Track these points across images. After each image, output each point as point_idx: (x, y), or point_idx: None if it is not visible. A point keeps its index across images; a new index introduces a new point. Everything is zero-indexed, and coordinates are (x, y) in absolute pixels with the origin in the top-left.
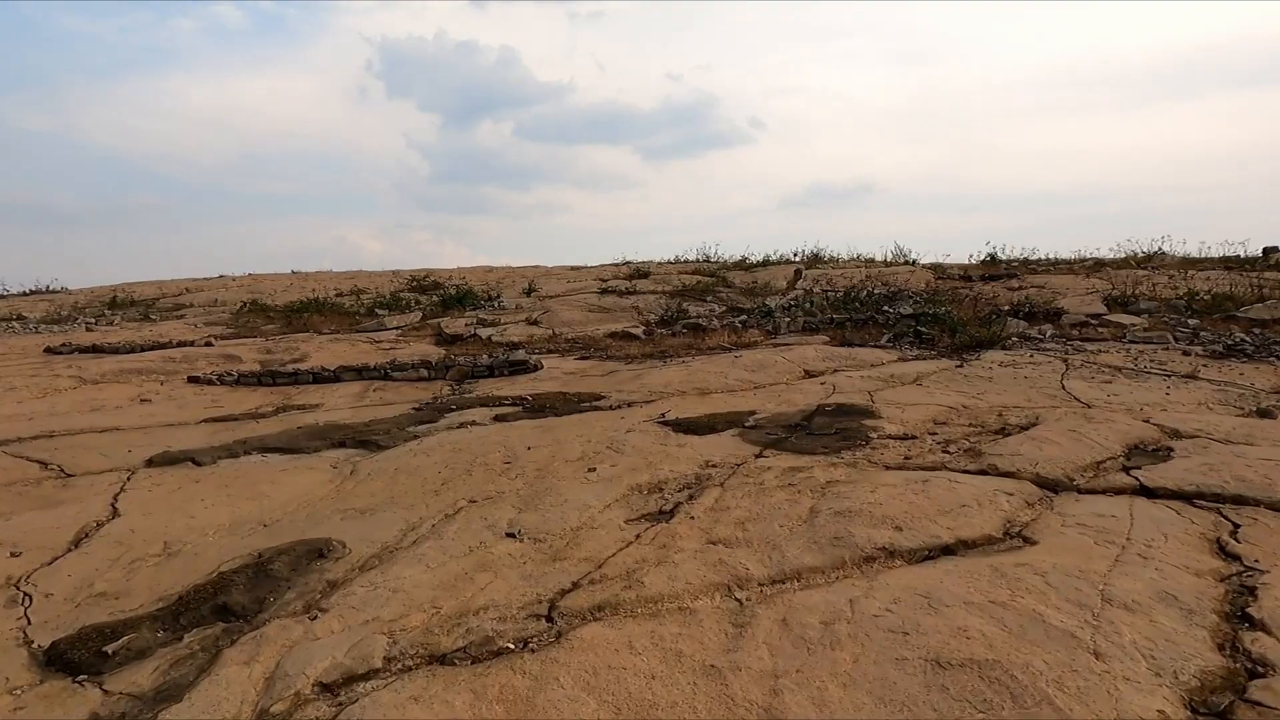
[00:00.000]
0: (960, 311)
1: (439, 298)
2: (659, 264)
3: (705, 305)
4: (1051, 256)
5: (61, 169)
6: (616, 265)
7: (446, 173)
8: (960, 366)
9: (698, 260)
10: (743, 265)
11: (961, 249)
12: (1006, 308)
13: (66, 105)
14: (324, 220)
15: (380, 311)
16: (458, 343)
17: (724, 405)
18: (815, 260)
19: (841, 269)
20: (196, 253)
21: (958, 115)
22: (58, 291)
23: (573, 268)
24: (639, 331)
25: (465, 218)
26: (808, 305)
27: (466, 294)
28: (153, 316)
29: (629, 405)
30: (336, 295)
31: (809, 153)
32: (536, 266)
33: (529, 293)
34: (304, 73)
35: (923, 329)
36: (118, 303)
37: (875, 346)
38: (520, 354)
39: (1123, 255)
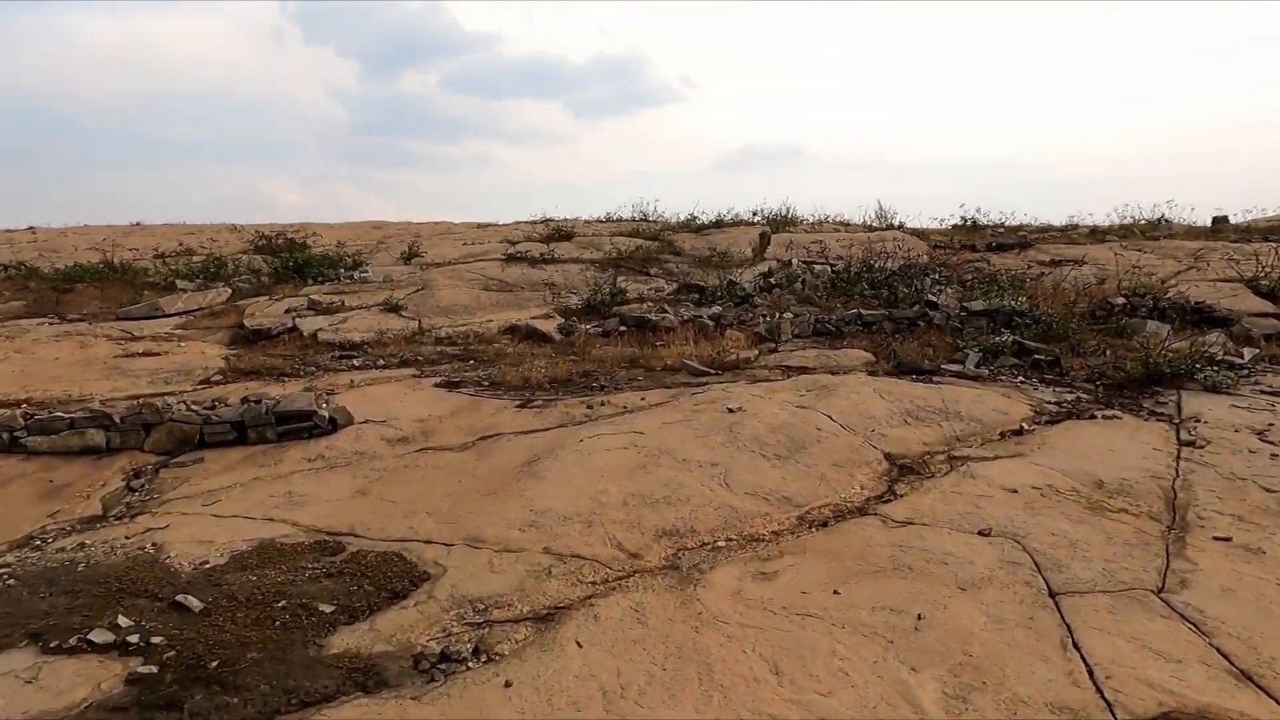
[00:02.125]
0: (1047, 305)
1: (291, 261)
2: (586, 223)
3: (649, 281)
4: (1039, 222)
5: None
6: (533, 224)
7: (370, 124)
8: (1195, 448)
9: (634, 219)
10: (692, 227)
11: (907, 214)
12: (1121, 301)
13: None
14: (240, 170)
15: (182, 284)
16: (262, 343)
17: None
18: (784, 222)
19: (815, 233)
20: (105, 198)
21: (901, 82)
22: None
23: (480, 225)
24: (553, 327)
25: (391, 171)
26: (798, 286)
27: (309, 260)
28: None
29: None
30: (155, 256)
31: (741, 114)
32: (440, 223)
33: (409, 258)
34: (210, 10)
35: (1029, 347)
36: None
37: (963, 376)
38: (303, 400)
39: (1122, 222)
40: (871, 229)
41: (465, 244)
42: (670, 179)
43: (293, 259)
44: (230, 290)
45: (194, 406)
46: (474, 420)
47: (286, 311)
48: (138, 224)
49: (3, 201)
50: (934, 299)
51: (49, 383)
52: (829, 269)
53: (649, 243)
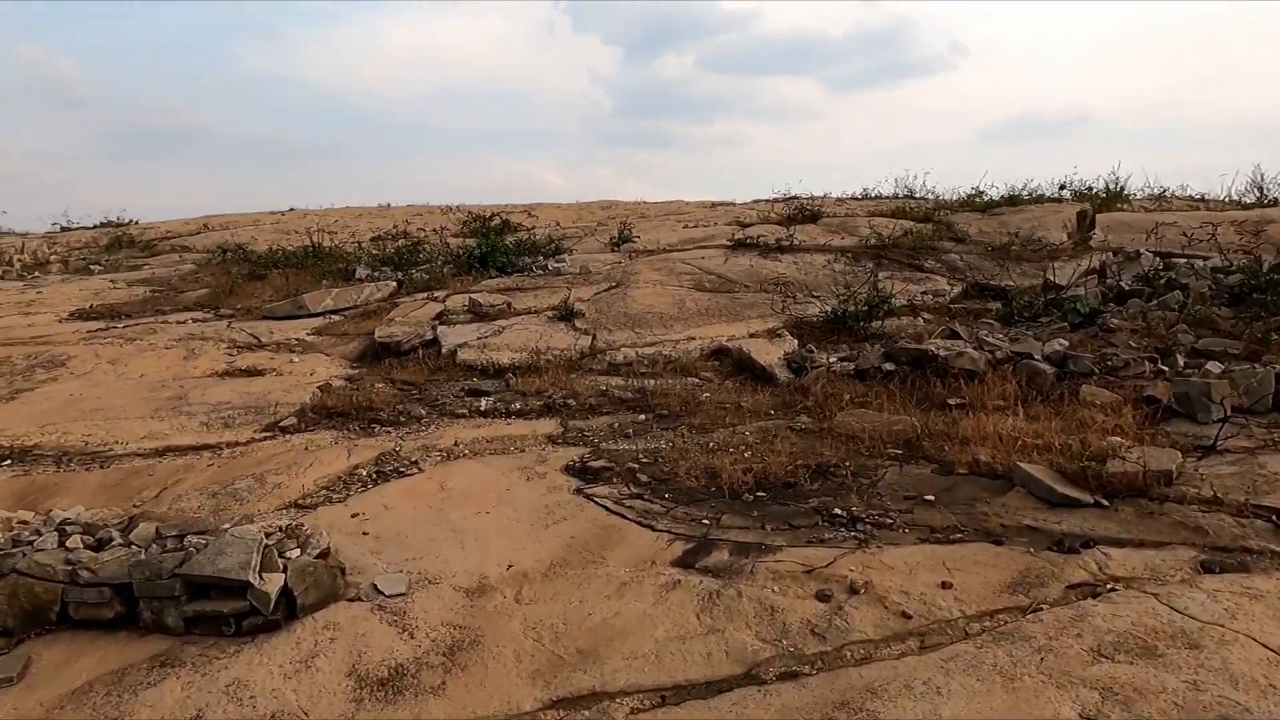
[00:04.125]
0: None
1: (476, 249)
2: (837, 200)
3: (922, 280)
4: None
5: (284, 106)
6: (771, 202)
7: (628, 107)
8: None
9: (896, 196)
10: (975, 205)
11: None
12: None
13: (288, 49)
14: (509, 155)
15: (362, 271)
16: (389, 360)
17: None
18: (1110, 198)
19: (1155, 213)
20: (393, 184)
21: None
22: (125, 224)
23: (711, 204)
24: (778, 358)
25: (646, 152)
26: (1175, 295)
27: (494, 249)
28: (131, 261)
29: None
30: (372, 238)
31: (1017, 80)
32: (672, 203)
33: (618, 244)
34: (492, 9)
35: None
36: (122, 242)
37: None
38: (235, 554)
39: None
40: (1246, 206)
41: (687, 226)
42: (931, 154)
43: (480, 247)
44: (396, 284)
45: (85, 533)
46: (580, 599)
47: (437, 317)
48: (387, 205)
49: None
50: None
51: (80, 419)
52: (1205, 267)
53: (919, 225)
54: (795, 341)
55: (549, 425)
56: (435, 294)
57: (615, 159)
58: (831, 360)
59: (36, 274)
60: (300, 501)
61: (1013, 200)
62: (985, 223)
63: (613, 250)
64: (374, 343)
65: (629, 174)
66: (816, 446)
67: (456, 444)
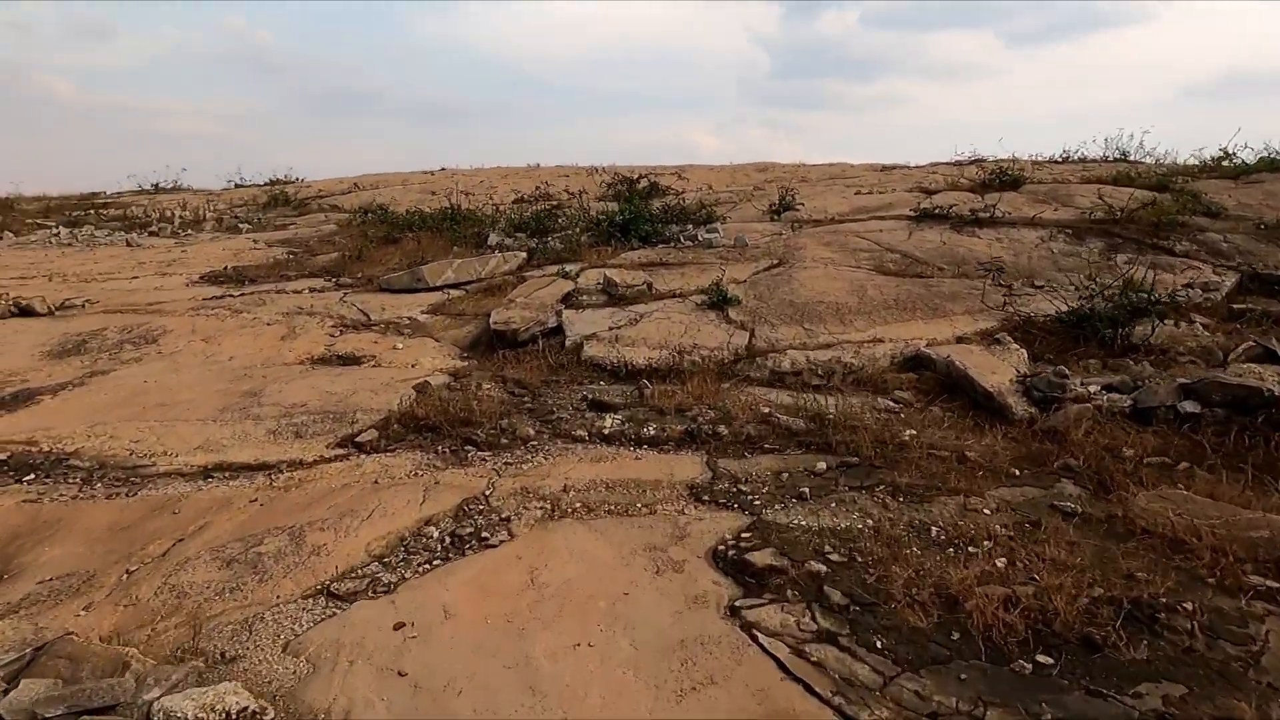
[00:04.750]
0: None
1: (620, 216)
2: (1036, 164)
3: (1178, 269)
4: None
5: (454, 71)
6: (958, 165)
7: (786, 67)
8: None
9: (1108, 160)
10: (1224, 170)
11: None
12: None
13: (462, 16)
14: (662, 118)
15: (495, 238)
16: (504, 351)
17: None
18: None
19: None
20: (547, 146)
21: None
22: (290, 182)
23: (882, 168)
24: (1008, 380)
25: (802, 113)
26: None
27: (635, 216)
28: (280, 220)
29: None
30: (515, 200)
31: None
32: (835, 165)
33: (778, 212)
34: None
35: None
36: (277, 200)
37: None
38: None
39: None
40: None
41: (859, 192)
42: (1124, 113)
43: (621, 214)
44: (527, 254)
45: None
46: None
47: (565, 298)
48: (535, 165)
49: (467, 147)
50: None
51: (137, 418)
52: None
53: (1155, 195)
54: (1024, 352)
55: (691, 464)
56: (567, 268)
57: (769, 120)
58: (1091, 389)
59: (190, 232)
60: (336, 585)
61: (1275, 165)
62: (1242, 193)
63: (772, 219)
64: (489, 328)
65: (783, 135)
66: (1114, 555)
67: (566, 489)
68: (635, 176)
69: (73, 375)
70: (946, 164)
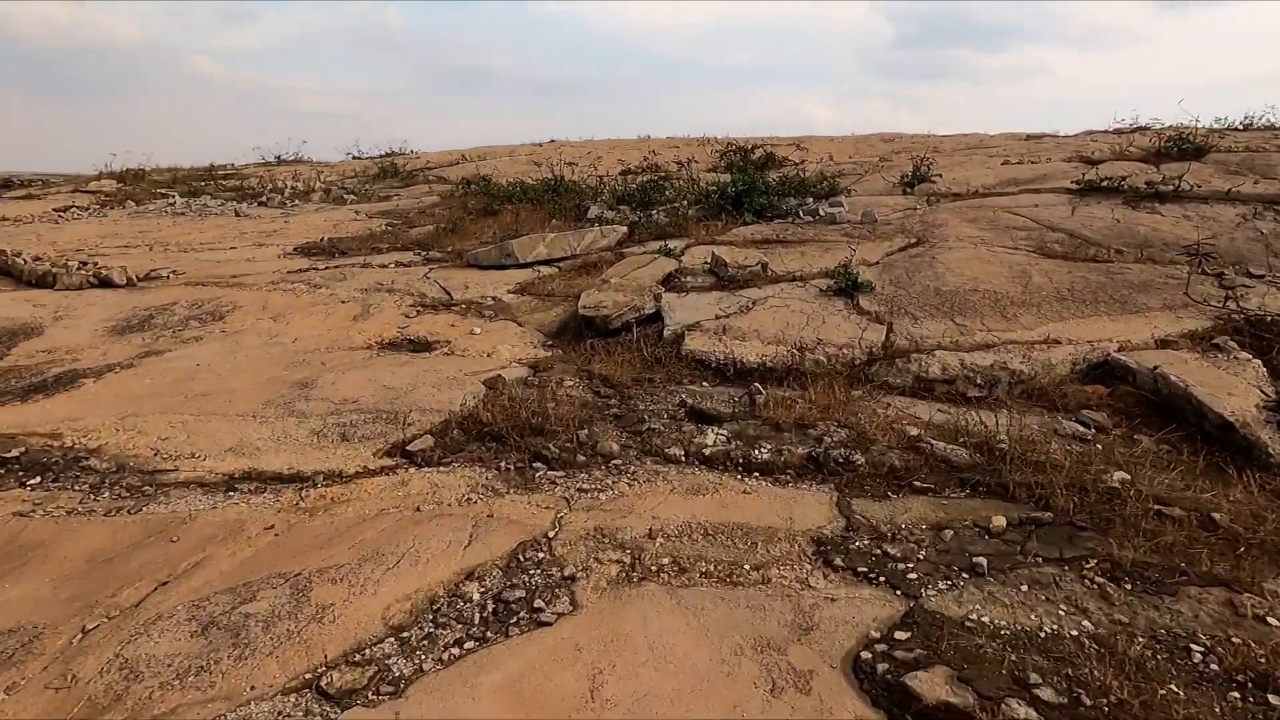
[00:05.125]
0: None
1: (732, 187)
2: (1217, 132)
3: None
4: None
5: (569, 46)
6: (1117, 133)
7: (910, 37)
8: None
9: None
10: None
11: None
12: None
13: None
14: (777, 90)
15: (596, 211)
16: (594, 339)
17: None
18: None
19: None
20: (658, 119)
21: None
22: (402, 155)
23: (1027, 137)
24: (1248, 409)
25: (926, 84)
26: None
27: (749, 188)
28: (385, 192)
29: None
30: (621, 172)
31: None
32: (970, 135)
33: (911, 184)
34: None
35: None
36: (386, 172)
37: None
38: None
39: None
40: None
41: (1005, 162)
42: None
43: (734, 185)
44: (628, 229)
45: None
46: None
47: (665, 280)
48: (645, 137)
49: (580, 120)
50: None
51: (172, 410)
52: None
53: None
54: (1258, 364)
55: (816, 505)
56: (671, 245)
57: (890, 92)
58: None
59: (297, 203)
60: (331, 675)
61: None
62: None
63: (904, 192)
64: (579, 313)
65: (904, 108)
66: None
67: (652, 534)
68: (749, 146)
69: (126, 355)
70: (1105, 132)
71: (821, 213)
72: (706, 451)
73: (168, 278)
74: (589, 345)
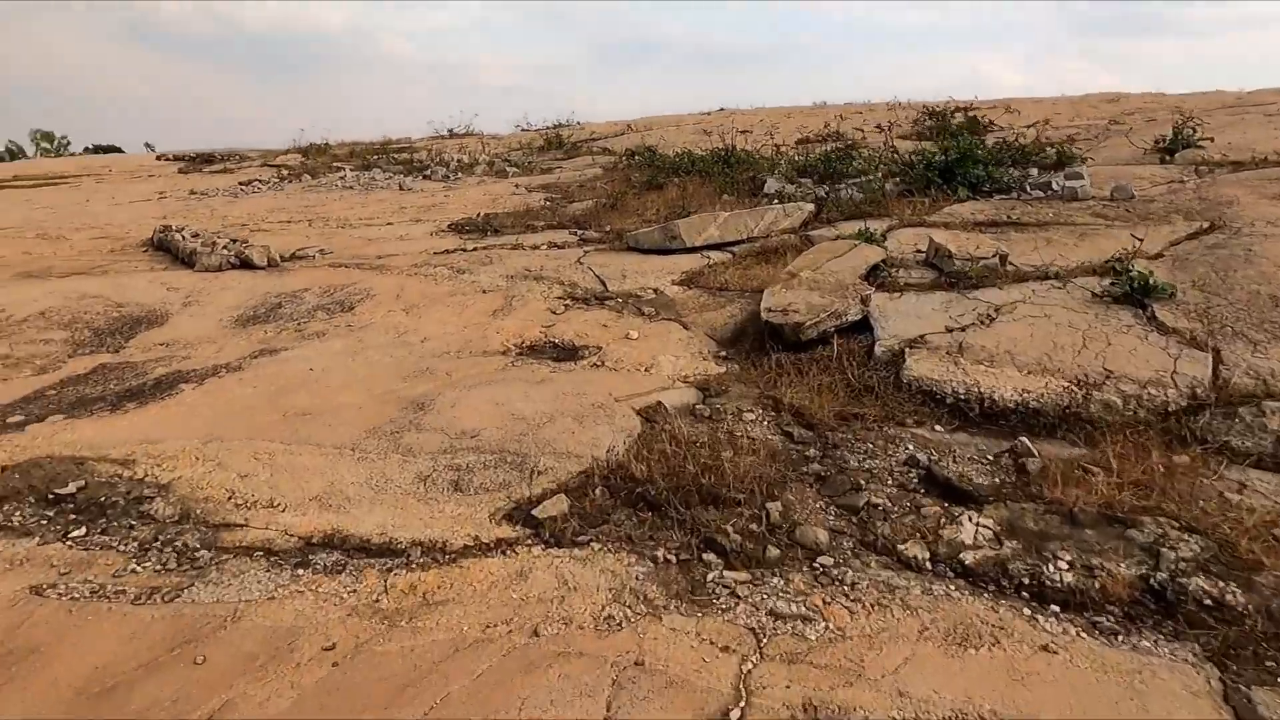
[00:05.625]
0: None
1: (940, 156)
2: None
3: None
4: None
5: (737, 16)
6: None
7: None
8: None
9: None
10: None
11: None
12: None
13: None
14: (957, 51)
15: (773, 184)
16: (780, 354)
17: None
18: None
19: None
20: (831, 84)
21: None
22: (567, 126)
23: None
24: None
25: (1129, 40)
26: None
27: (962, 156)
28: (548, 164)
29: None
30: (799, 141)
31: None
32: (1213, 94)
33: (1170, 150)
34: None
35: None
36: (551, 144)
37: None
38: None
39: None
40: None
41: None
42: None
43: (944, 154)
44: (815, 206)
45: None
46: None
47: (869, 274)
48: (821, 104)
49: (749, 89)
50: None
51: (261, 435)
52: None
53: None
54: None
55: (1183, 699)
56: (870, 226)
57: (1089, 48)
58: None
59: (461, 176)
60: None
61: None
62: None
63: (1160, 161)
64: (759, 315)
65: (1102, 66)
66: None
67: None
68: (947, 110)
69: (239, 354)
70: None
71: (1056, 186)
72: (966, 558)
73: (313, 257)
74: (774, 361)
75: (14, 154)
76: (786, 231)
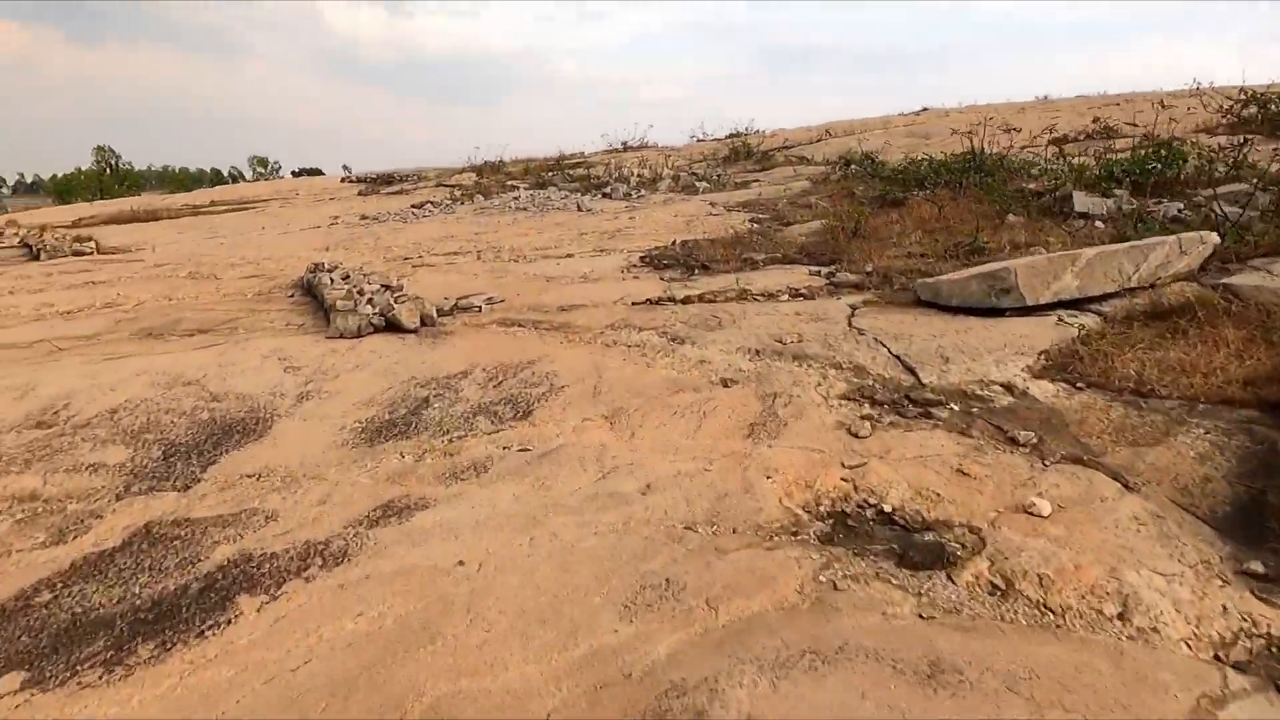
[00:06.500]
0: None
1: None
2: None
3: None
4: None
5: (896, 17)
6: None
7: None
8: None
9: None
10: None
11: None
12: None
13: None
14: (1158, 43)
15: (1085, 202)
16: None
17: None
18: None
19: None
20: (1021, 81)
21: None
22: (750, 134)
23: None
24: None
25: None
26: None
27: None
28: (741, 177)
29: None
30: (1053, 140)
31: None
32: None
33: None
34: None
35: None
36: (738, 154)
37: None
38: None
39: None
40: None
41: None
42: None
43: None
44: (1217, 235)
45: None
46: None
47: None
48: (1043, 98)
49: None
50: None
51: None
52: None
53: None
54: None
55: None
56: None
57: None
58: None
59: (644, 193)
60: None
61: None
62: None
63: None
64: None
65: None
66: None
67: None
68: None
69: (351, 516)
70: None
71: None
72: None
73: (479, 309)
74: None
75: (235, 178)
76: (1182, 278)
